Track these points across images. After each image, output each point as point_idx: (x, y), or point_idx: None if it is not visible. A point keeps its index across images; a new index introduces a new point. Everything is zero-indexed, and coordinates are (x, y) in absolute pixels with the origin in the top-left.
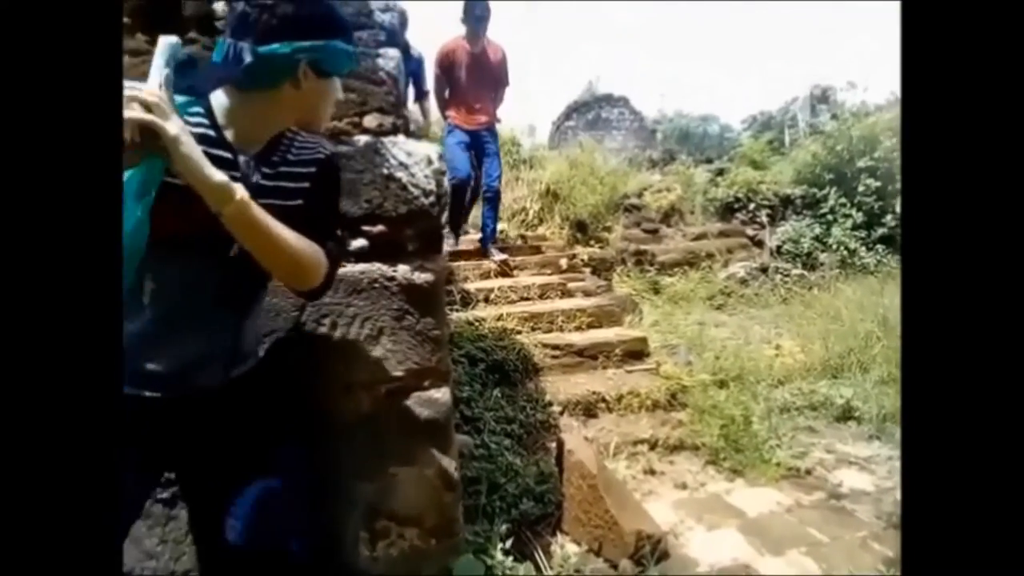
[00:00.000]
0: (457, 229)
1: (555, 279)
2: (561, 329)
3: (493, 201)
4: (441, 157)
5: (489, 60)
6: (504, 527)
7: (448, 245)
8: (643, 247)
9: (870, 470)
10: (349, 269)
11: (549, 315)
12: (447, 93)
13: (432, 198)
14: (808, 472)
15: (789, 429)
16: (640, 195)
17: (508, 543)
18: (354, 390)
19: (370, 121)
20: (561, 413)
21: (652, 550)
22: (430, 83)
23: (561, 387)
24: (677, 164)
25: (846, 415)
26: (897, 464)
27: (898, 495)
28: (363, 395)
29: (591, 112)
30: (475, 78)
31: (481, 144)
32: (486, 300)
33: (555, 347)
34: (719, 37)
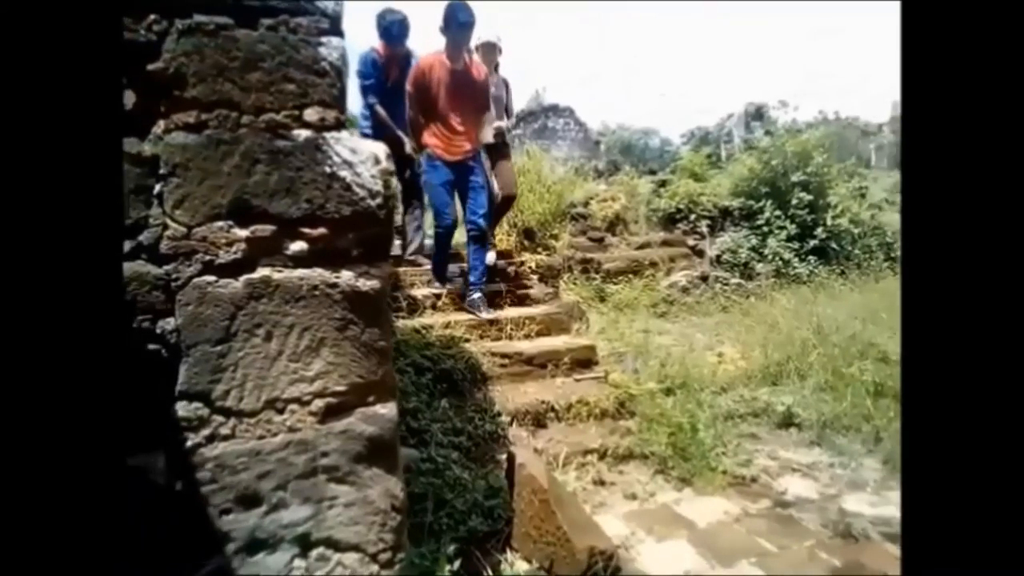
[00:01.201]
0: (443, 279)
1: (503, 286)
2: (510, 337)
3: (480, 240)
4: (389, 156)
5: (473, 78)
6: (452, 547)
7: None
8: (589, 255)
9: (813, 477)
10: (287, 275)
11: (498, 323)
12: (422, 118)
13: (379, 200)
14: (753, 480)
15: (734, 436)
16: (586, 204)
17: (456, 564)
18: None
19: (311, 115)
20: (510, 423)
21: (604, 566)
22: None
23: (510, 396)
24: (621, 175)
25: (787, 422)
26: (838, 471)
27: (842, 503)
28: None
29: (538, 121)
30: (457, 98)
31: (466, 176)
32: (433, 307)
33: (504, 355)
34: (660, 54)
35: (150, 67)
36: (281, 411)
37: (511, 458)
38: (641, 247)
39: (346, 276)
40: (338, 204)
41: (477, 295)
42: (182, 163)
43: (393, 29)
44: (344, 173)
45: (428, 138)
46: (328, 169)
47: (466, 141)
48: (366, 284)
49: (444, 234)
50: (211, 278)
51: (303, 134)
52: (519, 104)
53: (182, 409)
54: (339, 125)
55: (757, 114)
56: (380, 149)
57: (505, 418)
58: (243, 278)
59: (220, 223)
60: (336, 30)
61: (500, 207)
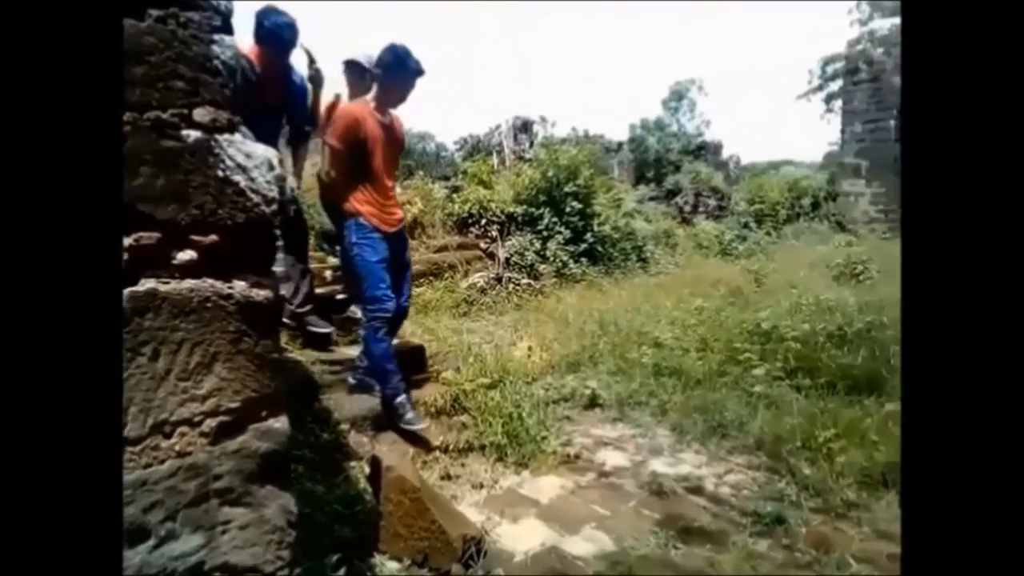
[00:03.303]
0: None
1: (322, 290)
2: (336, 343)
3: (398, 325)
4: (282, 161)
5: (397, 134)
6: (335, 557)
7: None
8: None
9: (622, 448)
10: (175, 286)
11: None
12: (349, 179)
13: (274, 206)
14: (577, 456)
15: (553, 420)
16: None
17: (341, 572)
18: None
19: (202, 115)
20: (349, 431)
21: (476, 551)
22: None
23: (345, 404)
24: (416, 179)
25: (592, 403)
26: (640, 440)
27: (652, 466)
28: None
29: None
30: (389, 157)
31: (401, 250)
32: None
33: (333, 363)
34: (433, 61)
35: None
36: (169, 435)
37: (376, 462)
38: (439, 250)
39: (240, 286)
40: (231, 210)
41: (403, 397)
42: None
43: (284, 33)
44: (238, 178)
45: (360, 204)
46: (221, 173)
47: (397, 207)
48: (259, 294)
49: (387, 326)
50: None
51: (193, 135)
52: None
53: None
54: (231, 127)
55: (524, 127)
56: (273, 154)
57: (344, 426)
58: (126, 291)
59: None
60: (228, 28)
61: None
